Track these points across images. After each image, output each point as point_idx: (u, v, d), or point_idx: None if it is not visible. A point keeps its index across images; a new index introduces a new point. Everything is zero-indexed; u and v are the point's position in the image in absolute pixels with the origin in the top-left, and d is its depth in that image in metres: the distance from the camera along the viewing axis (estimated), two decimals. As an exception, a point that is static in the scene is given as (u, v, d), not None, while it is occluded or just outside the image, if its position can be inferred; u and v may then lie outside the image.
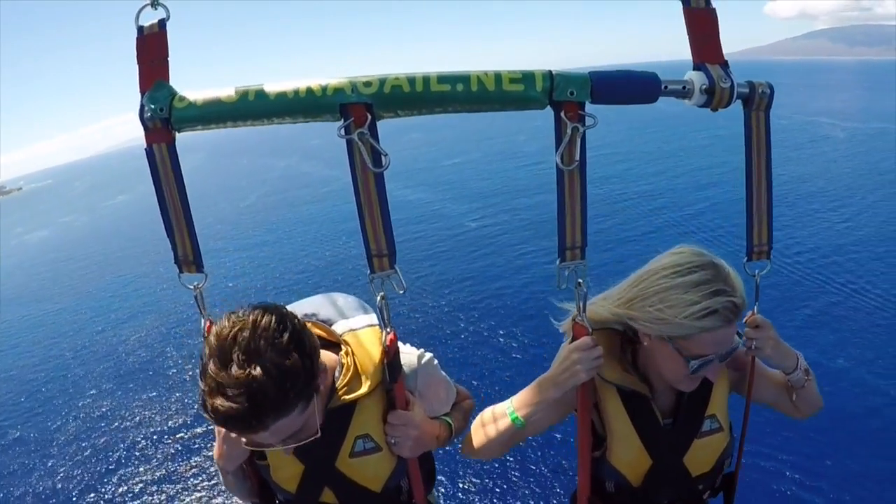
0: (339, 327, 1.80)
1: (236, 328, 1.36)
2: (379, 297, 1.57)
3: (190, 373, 10.07)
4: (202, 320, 1.65)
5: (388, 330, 1.63)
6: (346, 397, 1.67)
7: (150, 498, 6.97)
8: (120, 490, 7.19)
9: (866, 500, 5.29)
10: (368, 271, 1.55)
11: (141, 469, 7.55)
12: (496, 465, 6.12)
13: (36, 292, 17.39)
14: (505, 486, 6.00)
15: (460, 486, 6.04)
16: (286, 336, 1.40)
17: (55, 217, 36.40)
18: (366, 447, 1.71)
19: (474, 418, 2.02)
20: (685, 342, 1.63)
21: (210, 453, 6.92)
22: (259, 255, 16.94)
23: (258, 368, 1.32)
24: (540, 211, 16.14)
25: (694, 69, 1.56)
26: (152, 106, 1.47)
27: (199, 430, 8.11)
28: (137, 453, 7.88)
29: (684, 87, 1.55)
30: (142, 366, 10.66)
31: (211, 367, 1.34)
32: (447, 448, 1.96)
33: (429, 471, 1.94)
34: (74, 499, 7.20)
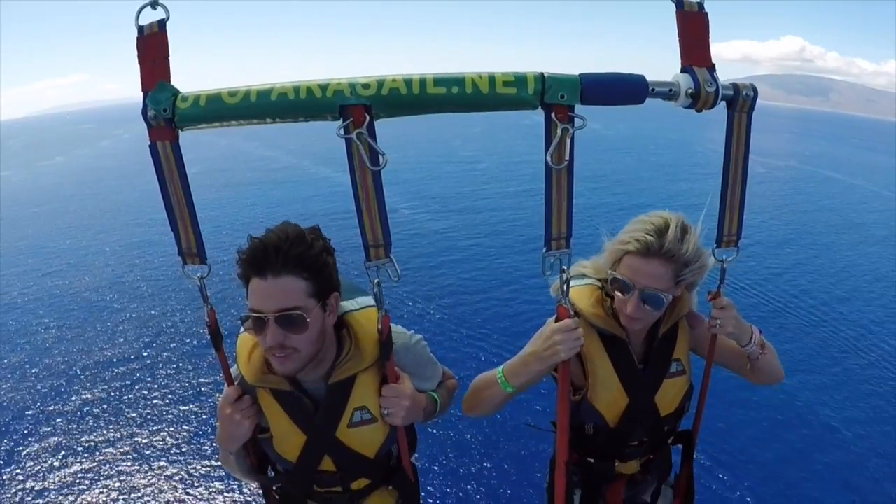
0: (339, 309, 1.92)
1: (285, 222, 1.73)
2: (375, 284, 1.67)
3: (131, 313, 11.14)
4: (206, 308, 1.76)
5: (383, 313, 1.76)
6: (347, 372, 1.84)
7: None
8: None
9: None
10: (365, 260, 1.64)
11: (84, 392, 8.46)
12: (477, 436, 6.76)
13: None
14: (483, 450, 6.61)
15: (440, 453, 6.59)
16: (319, 238, 1.74)
17: (-10, 171, 35.52)
18: (363, 418, 1.88)
19: (455, 393, 2.27)
20: (618, 268, 2.02)
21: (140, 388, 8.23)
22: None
23: (290, 234, 1.67)
24: (470, 204, 19.37)
25: (681, 71, 1.61)
26: (155, 106, 1.51)
27: (134, 360, 9.25)
28: (83, 377, 8.84)
29: (670, 90, 1.61)
30: (87, 305, 11.67)
31: None
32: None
33: (412, 437, 2.16)
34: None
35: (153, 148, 1.56)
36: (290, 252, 1.63)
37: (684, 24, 1.61)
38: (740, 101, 1.68)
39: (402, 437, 1.98)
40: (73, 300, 12.00)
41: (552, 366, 1.89)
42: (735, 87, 1.67)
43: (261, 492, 2.20)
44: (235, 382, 1.88)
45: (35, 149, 53.32)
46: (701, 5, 1.60)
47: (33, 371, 9.07)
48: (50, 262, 14.59)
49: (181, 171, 1.60)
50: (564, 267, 1.72)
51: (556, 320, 1.84)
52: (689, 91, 1.59)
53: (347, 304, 1.95)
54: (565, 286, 1.77)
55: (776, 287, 12.03)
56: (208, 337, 1.82)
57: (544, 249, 1.70)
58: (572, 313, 1.84)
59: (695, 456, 2.37)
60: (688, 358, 2.21)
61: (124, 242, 15.95)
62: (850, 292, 12.12)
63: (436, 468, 6.31)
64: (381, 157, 1.53)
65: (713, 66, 1.62)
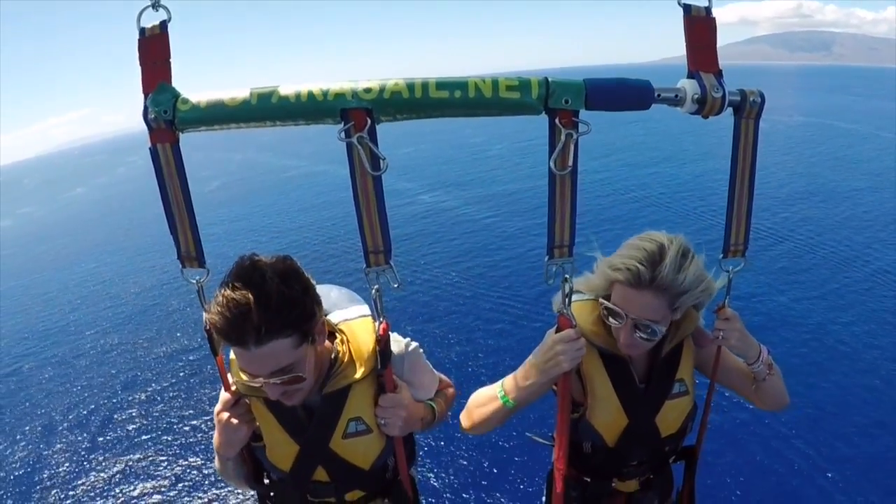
0: (334, 318, 1.91)
1: (251, 262, 1.55)
2: (374, 290, 1.65)
3: (179, 312, 12.21)
4: (204, 313, 1.68)
5: (381, 320, 1.73)
6: (341, 383, 1.80)
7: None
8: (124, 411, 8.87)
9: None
10: (364, 265, 1.63)
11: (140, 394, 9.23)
12: (474, 449, 6.81)
13: (13, 269, 18.78)
14: (483, 463, 6.67)
15: (438, 463, 6.66)
16: (294, 276, 1.58)
17: (12, 209, 37.44)
18: (358, 429, 1.83)
19: (454, 402, 2.22)
20: (612, 293, 1.91)
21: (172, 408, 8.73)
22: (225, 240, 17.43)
23: (264, 288, 1.49)
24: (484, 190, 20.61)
25: (688, 77, 1.59)
26: (156, 108, 1.49)
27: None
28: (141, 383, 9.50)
29: (676, 96, 1.58)
30: (134, 316, 12.53)
31: (221, 287, 1.53)
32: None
33: (411, 449, 2.10)
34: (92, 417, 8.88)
35: (153, 151, 1.55)
36: (268, 323, 1.49)
37: (691, 30, 1.59)
38: (747, 107, 1.64)
39: (399, 449, 1.93)
40: (125, 304, 13.15)
41: (553, 378, 1.85)
42: (742, 93, 1.63)
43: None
44: (234, 387, 1.85)
45: (53, 184, 55.49)
46: (709, 10, 1.58)
47: (105, 365, 10.03)
48: (98, 275, 15.72)
49: (181, 175, 1.58)
50: (567, 276, 1.69)
51: (557, 331, 1.81)
52: (696, 97, 1.57)
53: (343, 314, 1.92)
54: (567, 296, 1.73)
55: (778, 219, 13.28)
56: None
57: (546, 258, 1.67)
58: (574, 323, 1.80)
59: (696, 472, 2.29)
60: (692, 378, 2.12)
61: (162, 251, 16.40)
62: (845, 220, 13.41)
63: (435, 482, 6.35)
64: (381, 162, 1.51)
65: (720, 71, 1.59)
